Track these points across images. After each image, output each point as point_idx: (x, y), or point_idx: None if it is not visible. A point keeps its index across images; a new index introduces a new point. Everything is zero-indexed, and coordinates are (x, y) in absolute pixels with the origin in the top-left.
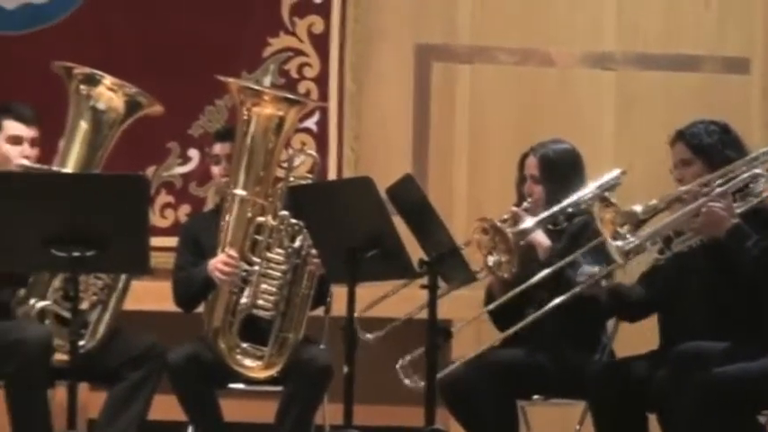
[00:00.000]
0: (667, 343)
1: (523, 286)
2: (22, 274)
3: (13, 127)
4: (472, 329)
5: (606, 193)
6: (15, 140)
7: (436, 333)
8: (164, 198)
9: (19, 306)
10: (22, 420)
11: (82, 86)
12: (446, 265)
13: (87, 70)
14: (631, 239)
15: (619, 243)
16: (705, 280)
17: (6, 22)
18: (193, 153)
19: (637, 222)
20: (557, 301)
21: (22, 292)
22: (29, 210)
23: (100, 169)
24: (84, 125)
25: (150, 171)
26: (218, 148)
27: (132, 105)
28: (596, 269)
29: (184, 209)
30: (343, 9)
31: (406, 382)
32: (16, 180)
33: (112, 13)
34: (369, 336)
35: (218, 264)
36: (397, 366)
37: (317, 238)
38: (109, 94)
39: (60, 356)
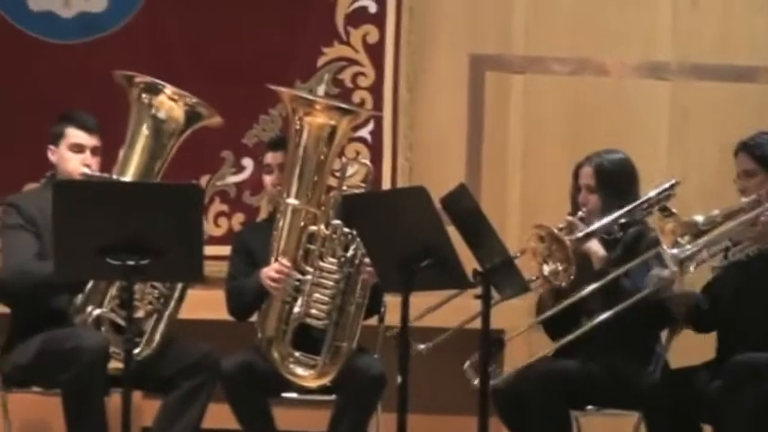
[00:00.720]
0: (724, 354)
1: (577, 296)
2: (79, 282)
3: (76, 135)
4: (524, 339)
5: (662, 204)
6: (77, 148)
7: (489, 343)
8: (217, 207)
9: (76, 314)
10: (79, 427)
11: (143, 95)
12: (500, 275)
13: (149, 79)
14: (687, 248)
15: (674, 251)
16: (762, 289)
17: (64, 30)
18: (247, 162)
19: (697, 233)
20: (614, 310)
21: (78, 299)
22: (86, 218)
23: (159, 179)
24: (144, 134)
25: (204, 180)
26: (270, 158)
27: (192, 116)
28: (666, 272)
29: (238, 218)
30: (398, 19)
31: (475, 382)
32: (75, 188)
33: (168, 22)
34: (421, 346)
35: (270, 272)
36: (465, 367)
37: (371, 248)
38: (170, 103)
39: (116, 364)
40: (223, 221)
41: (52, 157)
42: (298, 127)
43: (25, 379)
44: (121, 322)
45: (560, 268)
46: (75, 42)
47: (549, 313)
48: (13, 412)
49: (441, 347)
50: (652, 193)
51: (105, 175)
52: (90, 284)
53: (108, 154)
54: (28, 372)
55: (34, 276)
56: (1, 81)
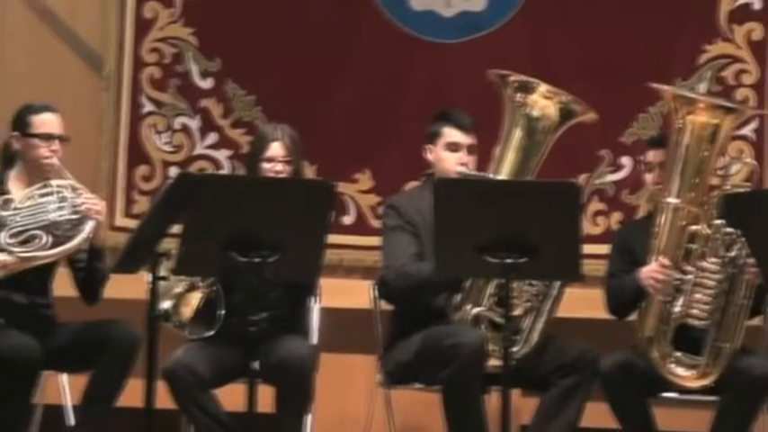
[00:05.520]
0: None
1: None
2: (457, 282)
3: (452, 134)
4: None
5: None
6: (453, 147)
7: None
8: (595, 205)
9: (455, 312)
10: (459, 424)
11: (517, 94)
12: None
13: (523, 78)
14: None
15: None
16: None
17: (444, 30)
18: (626, 160)
19: None
20: None
21: (458, 297)
22: (465, 216)
23: (533, 177)
24: (518, 133)
25: (582, 178)
26: (652, 156)
27: (566, 113)
28: None
29: (616, 216)
30: None
31: None
32: (455, 186)
33: (547, 20)
34: None
35: (651, 273)
36: None
37: (755, 247)
38: (543, 101)
39: (495, 362)
40: (601, 220)
41: (429, 155)
42: (680, 125)
43: (407, 375)
44: (499, 320)
45: None
46: (455, 42)
47: None
48: (395, 408)
49: None
50: None
51: (481, 173)
52: (468, 282)
53: (484, 152)
54: (409, 368)
55: (413, 278)
56: (383, 79)
